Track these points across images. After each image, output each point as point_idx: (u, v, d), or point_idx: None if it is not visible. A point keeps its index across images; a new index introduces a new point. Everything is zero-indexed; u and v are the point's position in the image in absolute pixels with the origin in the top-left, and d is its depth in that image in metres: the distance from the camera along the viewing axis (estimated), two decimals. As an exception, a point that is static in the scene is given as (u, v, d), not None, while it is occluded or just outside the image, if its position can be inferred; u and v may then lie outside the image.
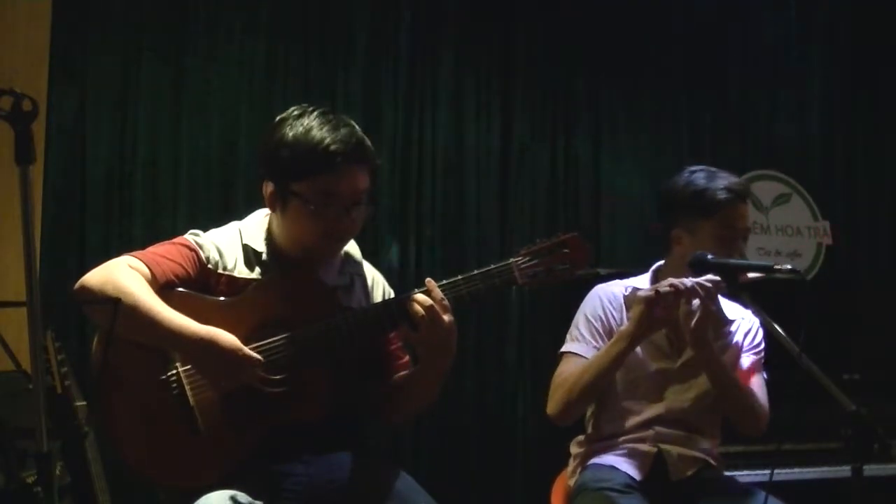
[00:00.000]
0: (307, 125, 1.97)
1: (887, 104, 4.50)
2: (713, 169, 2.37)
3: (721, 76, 4.34)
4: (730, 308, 2.45)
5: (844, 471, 1.91)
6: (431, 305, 1.93)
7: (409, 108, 3.87)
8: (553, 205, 4.04)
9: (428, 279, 1.98)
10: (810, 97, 4.44)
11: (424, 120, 3.89)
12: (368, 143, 2.02)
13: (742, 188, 2.33)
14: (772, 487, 2.15)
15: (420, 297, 1.95)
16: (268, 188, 2.03)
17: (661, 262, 2.45)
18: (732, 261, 2.26)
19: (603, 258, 3.92)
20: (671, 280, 2.20)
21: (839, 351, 3.42)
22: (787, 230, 4.28)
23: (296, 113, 2.02)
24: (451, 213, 3.89)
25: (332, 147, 1.93)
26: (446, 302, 1.95)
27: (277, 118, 2.05)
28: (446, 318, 1.94)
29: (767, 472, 2.64)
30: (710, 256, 2.19)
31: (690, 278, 2.18)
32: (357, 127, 2.02)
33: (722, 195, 2.29)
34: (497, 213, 3.95)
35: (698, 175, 2.34)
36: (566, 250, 2.03)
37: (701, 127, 4.29)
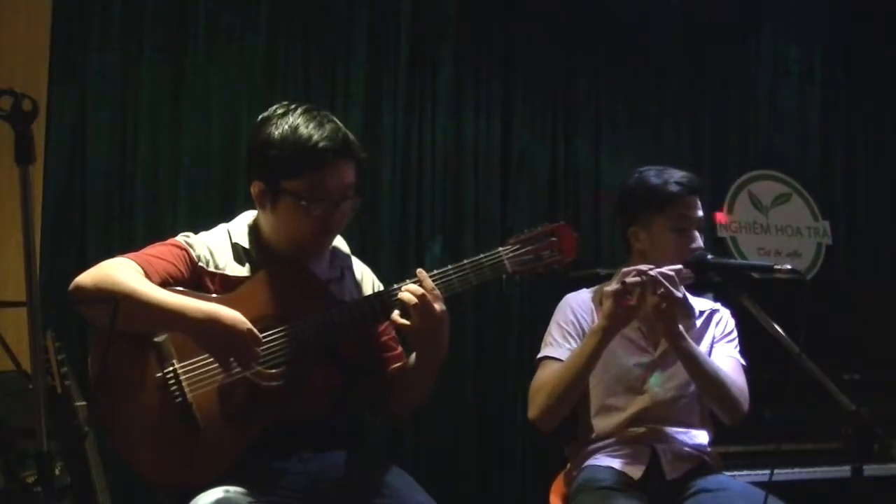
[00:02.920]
0: (293, 123, 1.99)
1: (887, 104, 4.50)
2: (662, 167, 2.44)
3: (721, 76, 4.34)
4: (697, 301, 2.48)
5: (844, 471, 1.92)
6: (423, 294, 1.96)
7: (409, 108, 3.87)
8: (553, 205, 4.04)
9: (419, 269, 2.01)
10: (810, 97, 4.45)
11: (424, 120, 3.88)
12: (352, 137, 2.04)
13: (691, 181, 2.39)
14: (772, 487, 2.15)
15: (412, 286, 1.98)
16: (256, 187, 2.05)
17: (625, 264, 2.47)
18: (732, 261, 2.29)
19: (603, 258, 3.92)
20: (636, 267, 2.23)
21: (839, 351, 3.41)
22: (787, 230, 4.28)
23: (280, 112, 2.03)
24: (451, 213, 3.89)
25: (321, 144, 1.96)
26: (437, 291, 1.98)
27: (261, 117, 2.07)
28: (437, 306, 1.96)
29: (767, 472, 2.64)
30: (709, 256, 2.22)
31: (655, 268, 2.21)
32: (339, 123, 2.05)
33: (673, 188, 2.36)
34: (497, 213, 3.95)
35: (649, 173, 2.42)
36: (554, 238, 2.08)
37: (701, 127, 4.30)
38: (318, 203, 1.98)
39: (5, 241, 3.12)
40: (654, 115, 4.22)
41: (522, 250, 2.06)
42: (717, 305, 2.51)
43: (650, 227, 2.38)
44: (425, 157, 3.87)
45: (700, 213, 2.39)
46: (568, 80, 4.11)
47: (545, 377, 2.35)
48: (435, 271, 2.02)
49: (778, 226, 4.27)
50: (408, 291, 1.97)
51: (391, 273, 3.41)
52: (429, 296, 1.96)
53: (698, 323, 2.44)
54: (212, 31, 3.61)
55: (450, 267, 2.03)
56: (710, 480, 2.33)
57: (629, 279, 2.21)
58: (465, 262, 2.04)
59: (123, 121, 3.48)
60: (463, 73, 3.95)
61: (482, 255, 2.05)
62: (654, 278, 2.19)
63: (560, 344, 2.38)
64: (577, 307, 2.44)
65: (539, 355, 2.42)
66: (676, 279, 2.20)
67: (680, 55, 4.27)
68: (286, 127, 1.99)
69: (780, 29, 4.42)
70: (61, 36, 3.41)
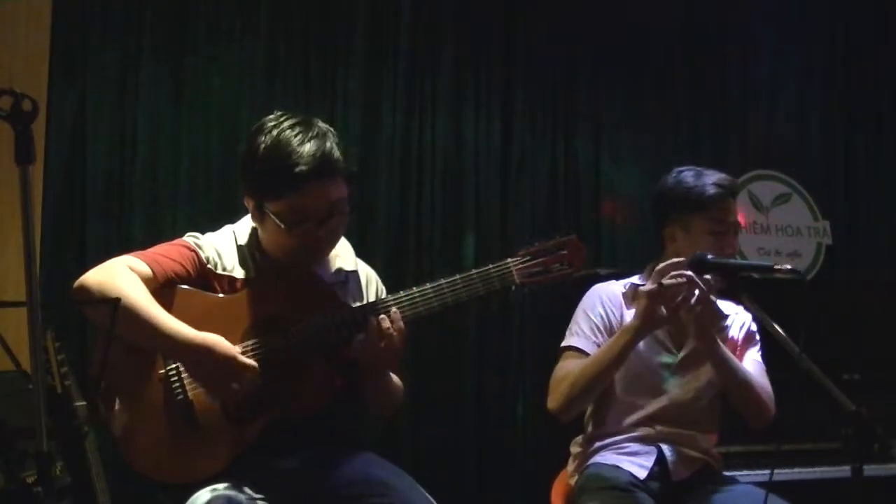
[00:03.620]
0: (275, 141, 1.96)
1: (887, 104, 4.50)
2: (700, 168, 2.43)
3: (721, 76, 4.34)
4: (723, 305, 2.48)
5: (844, 471, 1.91)
6: (394, 324, 1.96)
7: (408, 108, 3.86)
8: (553, 205, 4.03)
9: (393, 310, 1.98)
10: (810, 97, 4.45)
11: (424, 120, 3.88)
12: (337, 154, 1.98)
13: (730, 184, 2.39)
14: (772, 487, 2.15)
15: (394, 313, 1.97)
16: (248, 203, 2.05)
17: (655, 261, 2.46)
18: (732, 261, 2.29)
19: (603, 258, 3.92)
20: (673, 260, 2.21)
21: (839, 351, 3.41)
22: (787, 230, 4.28)
23: (270, 124, 2.00)
24: (451, 213, 3.89)
25: (297, 168, 1.92)
26: (402, 326, 1.98)
27: (254, 127, 2.04)
28: (398, 342, 1.97)
29: (767, 472, 2.64)
30: (709, 256, 2.22)
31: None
32: (329, 135, 1.99)
33: (712, 190, 2.35)
34: (497, 213, 3.95)
35: (687, 174, 2.40)
36: (563, 252, 2.06)
37: (701, 127, 4.29)
38: (299, 225, 1.97)
39: (5, 241, 3.12)
40: (655, 114, 4.21)
41: (531, 262, 2.04)
42: (740, 309, 2.50)
43: (687, 228, 2.36)
44: (425, 157, 3.87)
45: (738, 217, 2.39)
46: (568, 80, 4.11)
47: (569, 368, 2.33)
48: (443, 281, 2.01)
49: (778, 226, 4.27)
50: (388, 318, 1.97)
51: (390, 273, 3.42)
52: (394, 328, 1.96)
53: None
54: (212, 31, 3.61)
55: (458, 276, 2.01)
56: (714, 481, 2.33)
57: (667, 281, 2.18)
58: (474, 272, 2.03)
59: (123, 121, 3.48)
60: (463, 73, 3.95)
61: (491, 266, 2.03)
62: (691, 279, 2.17)
63: (587, 336, 2.37)
64: (608, 300, 2.42)
65: (563, 344, 2.40)
66: (711, 282, 2.19)
67: (680, 55, 4.27)
68: (269, 144, 1.96)
69: (780, 29, 4.42)
70: (61, 36, 3.41)
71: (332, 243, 2.10)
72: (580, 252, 2.08)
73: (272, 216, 1.98)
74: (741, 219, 4.15)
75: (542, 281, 2.05)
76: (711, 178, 2.36)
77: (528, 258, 2.04)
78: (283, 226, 1.97)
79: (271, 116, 2.04)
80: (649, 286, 2.22)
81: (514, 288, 2.04)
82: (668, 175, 2.44)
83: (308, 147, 1.95)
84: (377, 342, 1.96)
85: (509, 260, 2.04)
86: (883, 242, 4.43)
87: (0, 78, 3.10)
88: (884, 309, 3.71)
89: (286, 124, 1.99)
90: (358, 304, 2.12)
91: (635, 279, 2.46)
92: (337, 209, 2.00)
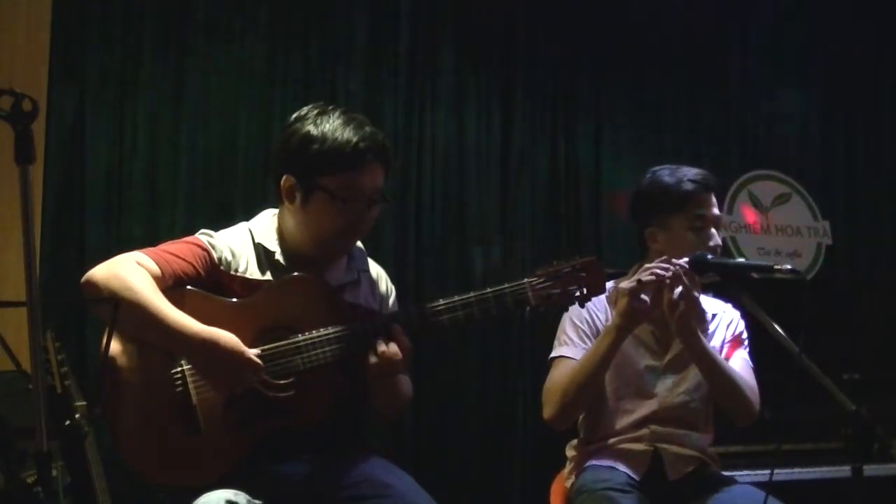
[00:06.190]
0: (334, 123, 2.03)
1: (887, 104, 4.50)
2: (675, 165, 2.41)
3: (721, 76, 4.34)
4: (710, 303, 2.47)
5: (844, 471, 1.91)
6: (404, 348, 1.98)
7: (409, 107, 3.86)
8: (553, 205, 4.04)
9: (396, 327, 1.99)
10: (810, 97, 4.45)
11: (424, 120, 3.88)
12: (388, 142, 2.09)
13: (706, 178, 2.37)
14: (772, 487, 2.15)
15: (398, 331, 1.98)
16: (288, 182, 2.05)
17: (641, 261, 2.46)
18: (732, 261, 2.29)
19: (603, 258, 3.92)
20: (652, 268, 2.21)
21: (839, 351, 3.41)
22: (787, 230, 4.28)
23: (316, 111, 2.07)
24: (451, 213, 3.89)
25: (362, 145, 2.00)
26: (408, 345, 2.00)
27: (295, 116, 2.09)
28: (404, 355, 1.99)
29: (767, 472, 2.64)
30: (709, 257, 2.22)
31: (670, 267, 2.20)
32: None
33: (688, 186, 2.33)
34: (497, 213, 3.95)
35: (662, 172, 2.39)
36: (583, 273, 2.04)
37: (701, 127, 4.29)
38: (351, 203, 2.01)
39: (5, 241, 3.11)
40: (655, 114, 4.21)
41: (548, 283, 2.02)
42: (728, 307, 2.49)
43: (667, 227, 2.35)
44: (425, 157, 3.87)
45: (716, 210, 2.37)
46: (568, 80, 4.11)
47: (559, 377, 2.32)
48: (456, 298, 2.00)
49: (778, 226, 4.27)
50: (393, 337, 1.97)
51: (389, 273, 3.41)
52: (400, 345, 1.97)
53: (711, 326, 2.43)
54: (212, 31, 3.61)
55: (472, 294, 2.00)
56: (711, 481, 2.33)
57: (645, 277, 2.19)
58: (488, 290, 2.01)
59: (123, 121, 3.48)
60: (463, 72, 3.95)
61: (506, 285, 2.01)
62: (676, 274, 2.17)
63: (575, 343, 2.36)
64: (592, 305, 2.40)
65: (552, 354, 2.39)
66: (696, 278, 2.19)
67: (680, 55, 4.27)
68: (328, 126, 2.02)
69: (780, 29, 4.42)
70: (61, 36, 3.41)
71: (366, 230, 2.12)
72: (601, 275, 2.05)
73: (323, 192, 2.00)
74: (749, 218, 4.16)
75: (557, 303, 2.03)
76: (687, 175, 2.35)
77: (543, 279, 2.02)
78: (336, 200, 2.00)
79: (311, 106, 2.10)
80: (628, 283, 2.23)
81: (528, 308, 2.02)
82: (644, 176, 2.44)
83: (368, 131, 2.04)
84: (382, 355, 1.96)
85: (525, 280, 2.02)
86: (883, 242, 4.43)
87: (0, 78, 3.10)
88: (884, 309, 3.71)
89: (338, 112, 2.07)
90: (367, 309, 2.12)
91: (619, 282, 2.45)
92: (378, 197, 2.07)
